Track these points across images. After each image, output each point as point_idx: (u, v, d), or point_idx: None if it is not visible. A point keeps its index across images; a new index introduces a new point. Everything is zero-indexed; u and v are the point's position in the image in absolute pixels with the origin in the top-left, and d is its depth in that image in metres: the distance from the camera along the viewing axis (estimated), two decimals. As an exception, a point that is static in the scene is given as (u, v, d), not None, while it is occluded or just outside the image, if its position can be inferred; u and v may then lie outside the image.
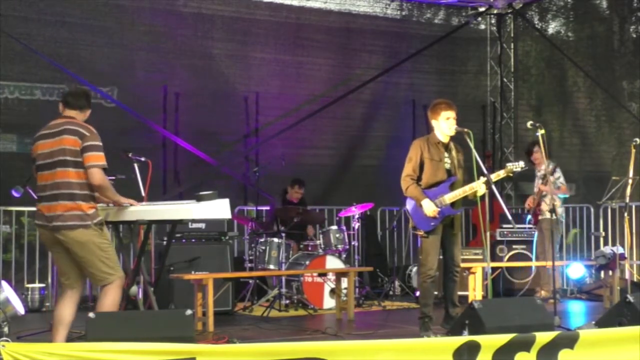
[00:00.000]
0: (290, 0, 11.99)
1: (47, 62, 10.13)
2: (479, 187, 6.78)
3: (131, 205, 5.86)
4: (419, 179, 6.92)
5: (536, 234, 9.92)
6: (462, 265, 7.42)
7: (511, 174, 7.08)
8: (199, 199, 5.77)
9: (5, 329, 6.24)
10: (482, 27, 13.51)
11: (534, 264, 9.72)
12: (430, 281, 6.90)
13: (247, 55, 11.78)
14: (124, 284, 5.82)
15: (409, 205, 7.00)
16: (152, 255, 8.04)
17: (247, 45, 11.79)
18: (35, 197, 5.83)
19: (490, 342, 4.67)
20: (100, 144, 5.64)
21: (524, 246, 10.12)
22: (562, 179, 9.70)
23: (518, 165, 6.99)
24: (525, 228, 10.11)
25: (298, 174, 10.58)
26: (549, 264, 8.31)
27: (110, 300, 5.63)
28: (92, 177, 5.56)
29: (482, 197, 6.73)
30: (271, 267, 9.25)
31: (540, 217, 9.69)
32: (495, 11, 13.13)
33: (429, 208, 6.80)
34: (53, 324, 5.73)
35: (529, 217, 9.93)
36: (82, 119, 5.79)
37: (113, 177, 6.31)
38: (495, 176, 6.86)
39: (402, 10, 12.87)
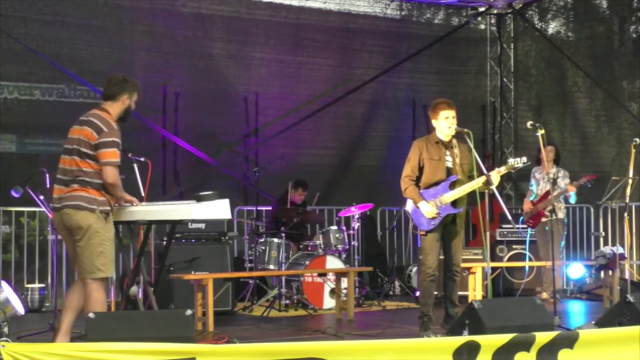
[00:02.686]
0: (290, 0, 11.99)
1: (46, 62, 10.13)
2: (477, 184, 6.76)
3: (133, 204, 5.87)
4: (418, 179, 6.92)
5: (529, 233, 9.91)
6: (462, 265, 7.42)
7: (512, 170, 7.06)
8: (199, 199, 5.77)
9: (5, 329, 6.24)
10: (482, 27, 13.50)
11: (534, 264, 9.72)
12: (430, 280, 6.90)
13: (247, 55, 11.77)
14: (113, 282, 5.84)
15: (409, 205, 7.00)
16: (152, 255, 8.03)
17: (246, 45, 11.78)
18: (53, 181, 5.91)
19: (490, 342, 4.67)
20: (116, 139, 5.68)
21: (524, 246, 10.12)
22: (567, 180, 9.74)
23: (520, 161, 6.94)
24: (524, 229, 10.12)
25: (298, 174, 10.55)
26: (549, 263, 8.31)
27: (93, 299, 5.63)
28: (106, 175, 5.62)
29: (482, 197, 6.72)
30: (271, 267, 9.25)
31: (546, 219, 9.58)
32: (495, 11, 13.14)
33: (427, 209, 6.80)
34: (62, 308, 5.84)
35: (522, 218, 9.91)
36: (120, 108, 5.83)
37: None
38: (496, 172, 6.84)
39: (402, 10, 12.86)
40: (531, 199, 9.91)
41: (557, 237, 9.29)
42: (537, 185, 9.82)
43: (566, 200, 9.81)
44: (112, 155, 5.63)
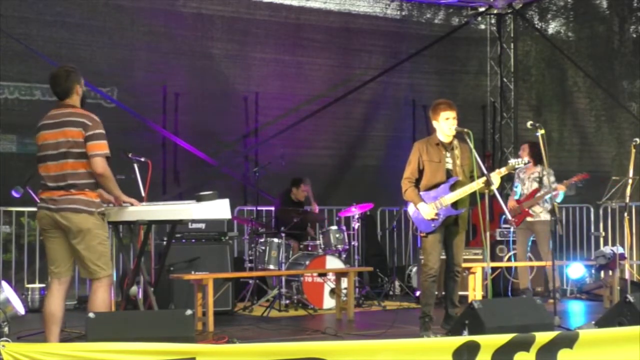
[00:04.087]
0: (290, 0, 11.99)
1: (47, 62, 10.13)
2: (478, 185, 6.77)
3: (132, 204, 5.85)
4: (419, 181, 6.92)
5: (513, 233, 9.92)
6: (462, 265, 7.41)
7: (513, 171, 7.07)
8: (199, 199, 5.77)
9: (5, 329, 6.24)
10: (482, 27, 13.51)
11: (534, 264, 9.71)
12: (431, 281, 6.90)
13: (247, 55, 11.78)
14: (113, 282, 5.79)
15: (411, 208, 6.99)
16: (152, 255, 8.03)
17: (246, 46, 11.79)
18: (41, 187, 5.78)
19: (490, 342, 4.67)
20: (103, 131, 5.61)
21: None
22: (552, 177, 9.62)
23: (521, 162, 6.99)
24: (508, 228, 10.13)
25: (298, 174, 10.56)
26: (549, 263, 8.32)
27: (100, 298, 5.59)
28: (94, 166, 5.55)
29: (482, 197, 6.71)
30: (271, 267, 9.25)
31: (531, 219, 9.55)
32: (495, 11, 13.15)
33: (426, 211, 6.80)
34: (44, 322, 5.65)
35: (504, 217, 9.90)
36: (78, 99, 5.76)
37: (113, 177, 6.30)
38: (497, 173, 6.83)
39: (402, 10, 12.87)
40: (515, 197, 9.77)
41: (544, 238, 9.29)
42: (522, 185, 9.71)
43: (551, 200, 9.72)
44: (100, 147, 5.56)
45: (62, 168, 5.59)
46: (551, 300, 8.74)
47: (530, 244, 9.71)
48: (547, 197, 9.42)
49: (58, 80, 5.84)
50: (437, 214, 6.80)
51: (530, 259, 9.94)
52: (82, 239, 5.57)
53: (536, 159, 9.34)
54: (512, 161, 7.03)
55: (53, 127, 5.65)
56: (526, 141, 9.97)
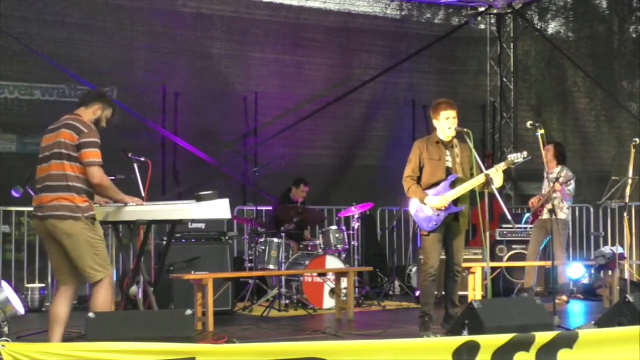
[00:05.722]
0: (290, 0, 12.00)
1: (46, 62, 10.14)
2: (478, 182, 6.73)
3: (136, 204, 5.83)
4: (419, 180, 6.91)
5: (534, 232, 9.91)
6: (462, 265, 7.40)
7: (512, 166, 6.98)
8: (199, 199, 5.76)
9: (5, 329, 6.24)
10: (482, 27, 13.52)
11: (534, 263, 9.70)
12: (431, 280, 6.89)
13: (247, 55, 11.79)
14: (113, 282, 5.77)
15: (411, 208, 6.97)
16: (152, 255, 8.03)
17: (246, 45, 11.80)
18: (34, 191, 5.79)
19: (490, 342, 4.67)
20: (97, 140, 5.58)
21: (523, 246, 10.12)
22: (572, 187, 9.59)
23: (520, 156, 6.82)
24: (525, 228, 10.11)
25: (298, 174, 10.56)
26: (549, 263, 8.31)
27: (100, 300, 5.57)
28: (91, 176, 5.52)
29: (482, 197, 6.70)
30: (271, 267, 9.24)
31: (547, 217, 9.52)
32: (495, 11, 13.15)
33: (435, 202, 6.75)
34: (49, 323, 5.67)
35: (527, 215, 9.89)
36: (91, 117, 5.73)
37: (113, 178, 6.27)
38: (496, 169, 6.77)
39: (402, 10, 12.87)
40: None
41: (558, 237, 9.26)
42: (547, 184, 9.73)
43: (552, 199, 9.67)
44: (94, 155, 5.52)
45: (49, 169, 5.57)
46: (564, 297, 8.79)
47: (546, 243, 9.68)
48: (568, 200, 9.44)
49: (90, 92, 5.99)
50: (447, 198, 6.74)
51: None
52: (73, 245, 5.52)
53: (559, 160, 9.55)
54: (511, 156, 6.91)
55: (52, 132, 5.67)
56: (551, 142, 9.86)
